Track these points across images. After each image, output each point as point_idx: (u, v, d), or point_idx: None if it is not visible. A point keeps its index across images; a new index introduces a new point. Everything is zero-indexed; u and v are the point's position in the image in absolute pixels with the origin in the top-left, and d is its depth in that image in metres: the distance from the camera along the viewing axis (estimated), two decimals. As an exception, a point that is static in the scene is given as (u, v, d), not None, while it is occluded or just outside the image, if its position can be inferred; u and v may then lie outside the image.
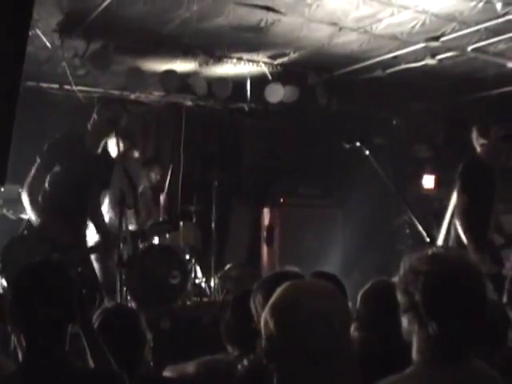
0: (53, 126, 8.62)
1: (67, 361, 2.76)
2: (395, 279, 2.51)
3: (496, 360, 2.80)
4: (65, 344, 2.79)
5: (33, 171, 6.05)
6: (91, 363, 2.93)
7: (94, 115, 6.22)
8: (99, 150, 6.28)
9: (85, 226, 6.34)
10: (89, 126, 6.25)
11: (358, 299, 3.40)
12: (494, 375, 2.51)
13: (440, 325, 2.37)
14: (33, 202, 6.01)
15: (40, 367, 2.70)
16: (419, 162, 11.29)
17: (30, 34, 6.31)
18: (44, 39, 7.03)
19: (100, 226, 6.52)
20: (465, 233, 6.38)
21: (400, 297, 2.48)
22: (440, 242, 6.73)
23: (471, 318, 2.40)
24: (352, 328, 3.00)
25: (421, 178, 11.04)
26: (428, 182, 10.98)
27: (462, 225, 6.42)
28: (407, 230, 10.12)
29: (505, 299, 3.56)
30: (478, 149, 6.59)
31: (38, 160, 6.07)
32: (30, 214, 6.06)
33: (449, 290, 2.37)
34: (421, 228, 5.12)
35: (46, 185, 6.09)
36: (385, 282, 3.52)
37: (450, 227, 6.75)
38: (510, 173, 6.84)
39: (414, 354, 2.45)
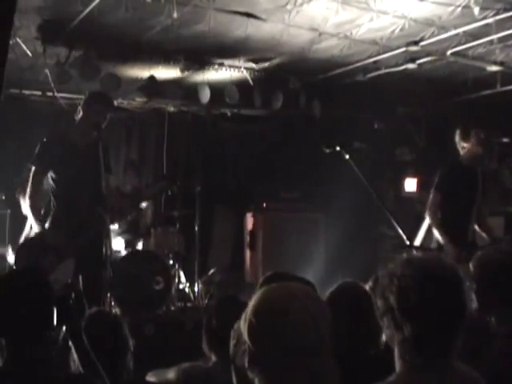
0: (35, 133, 8.63)
1: (46, 367, 2.79)
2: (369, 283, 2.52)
3: (485, 368, 2.79)
4: (45, 350, 2.82)
5: (30, 178, 6.04)
6: (81, 371, 2.97)
7: (79, 108, 6.19)
8: (86, 143, 6.17)
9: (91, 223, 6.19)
10: (76, 118, 6.21)
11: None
12: (479, 378, 2.51)
13: (415, 327, 2.38)
14: (34, 210, 6.01)
15: (18, 373, 2.74)
16: (401, 166, 11.35)
17: (12, 42, 6.31)
18: (24, 47, 7.02)
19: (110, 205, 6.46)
20: (437, 228, 6.50)
21: (377, 301, 2.51)
22: (418, 243, 6.78)
23: (448, 320, 2.40)
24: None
25: (403, 181, 11.09)
26: (410, 185, 11.03)
27: (433, 220, 6.55)
28: (390, 233, 10.16)
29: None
30: (461, 152, 6.70)
31: (33, 167, 6.06)
32: (30, 221, 6.05)
33: (423, 292, 2.37)
34: (400, 231, 5.17)
35: (50, 190, 6.10)
36: (350, 284, 3.55)
37: (430, 229, 6.82)
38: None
39: (396, 360, 2.47)
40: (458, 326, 2.44)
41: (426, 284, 2.40)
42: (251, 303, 2.29)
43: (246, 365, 2.26)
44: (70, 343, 3.07)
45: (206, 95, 8.89)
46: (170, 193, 8.32)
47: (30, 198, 6.02)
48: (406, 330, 2.39)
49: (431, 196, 6.69)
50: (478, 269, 3.42)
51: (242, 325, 2.29)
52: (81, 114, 6.16)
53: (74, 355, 3.07)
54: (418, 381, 2.41)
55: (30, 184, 6.04)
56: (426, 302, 2.38)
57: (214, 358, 3.51)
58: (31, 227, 6.33)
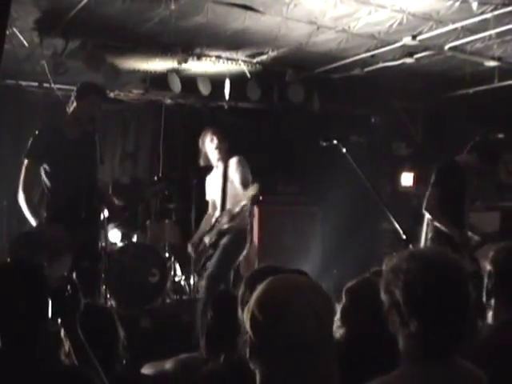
0: (32, 124, 8.60)
1: (42, 360, 2.79)
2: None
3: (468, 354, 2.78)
4: (40, 342, 2.82)
5: (23, 171, 5.95)
6: (76, 363, 2.97)
7: (73, 99, 6.09)
8: (80, 135, 6.08)
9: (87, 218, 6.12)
10: (67, 110, 6.12)
11: (344, 296, 3.36)
12: (481, 375, 2.50)
13: (421, 322, 2.37)
14: (29, 203, 5.95)
15: (15, 366, 2.73)
16: (398, 160, 11.36)
17: (8, 32, 6.29)
18: (21, 38, 7.00)
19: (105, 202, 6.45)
20: (439, 221, 6.50)
21: (383, 296, 2.51)
22: (422, 239, 6.80)
23: (453, 315, 2.40)
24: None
25: (399, 175, 11.11)
26: (407, 179, 11.05)
27: (434, 213, 6.55)
28: (386, 227, 10.16)
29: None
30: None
31: (26, 160, 5.98)
32: (26, 215, 5.98)
33: (428, 287, 2.37)
34: (397, 225, 5.17)
35: (44, 184, 6.05)
36: (370, 279, 3.52)
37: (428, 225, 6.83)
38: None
39: (401, 354, 2.46)
40: (463, 321, 2.44)
41: (431, 278, 2.39)
42: (254, 294, 2.29)
43: (247, 355, 2.26)
44: (62, 336, 3.07)
45: (206, 87, 8.88)
46: (167, 193, 8.36)
47: (24, 191, 5.95)
48: (411, 324, 2.39)
49: (429, 192, 6.69)
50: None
51: (245, 315, 2.28)
52: (74, 105, 6.09)
53: (66, 348, 3.08)
54: (421, 376, 2.41)
55: (23, 177, 5.93)
56: (432, 297, 2.37)
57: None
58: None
